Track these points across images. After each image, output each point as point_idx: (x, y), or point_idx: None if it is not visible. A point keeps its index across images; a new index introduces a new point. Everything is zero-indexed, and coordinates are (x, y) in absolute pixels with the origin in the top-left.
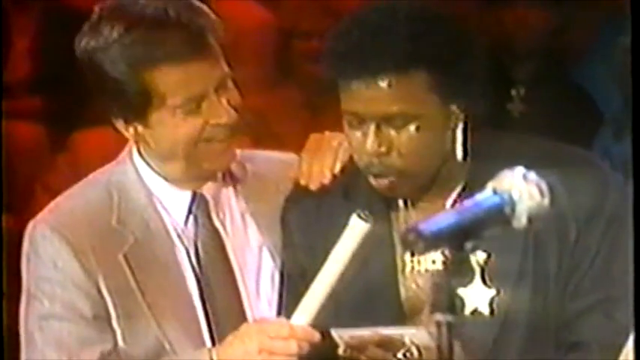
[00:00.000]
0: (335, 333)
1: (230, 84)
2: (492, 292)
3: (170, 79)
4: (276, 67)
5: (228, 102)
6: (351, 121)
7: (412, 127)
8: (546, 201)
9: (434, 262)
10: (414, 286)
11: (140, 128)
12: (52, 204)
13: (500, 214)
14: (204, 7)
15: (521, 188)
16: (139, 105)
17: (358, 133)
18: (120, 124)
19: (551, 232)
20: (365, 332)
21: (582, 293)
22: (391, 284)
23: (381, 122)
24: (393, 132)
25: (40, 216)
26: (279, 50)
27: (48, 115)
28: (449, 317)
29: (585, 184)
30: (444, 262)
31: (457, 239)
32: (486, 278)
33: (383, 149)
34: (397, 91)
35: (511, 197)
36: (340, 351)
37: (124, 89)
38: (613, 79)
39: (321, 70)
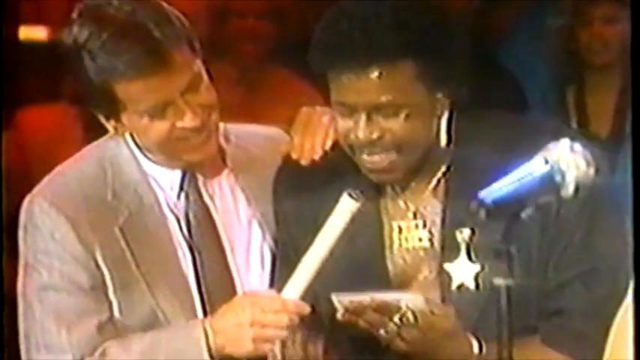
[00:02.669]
0: (335, 298)
1: (202, 84)
2: (477, 267)
3: (130, 91)
4: (210, 45)
5: (199, 103)
6: (341, 111)
7: (402, 116)
8: (592, 170)
9: (420, 239)
10: (401, 262)
11: (119, 124)
12: (47, 178)
13: (552, 183)
14: (176, 14)
15: (568, 159)
16: (109, 106)
17: (349, 122)
18: (102, 118)
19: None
20: (363, 297)
21: (563, 266)
22: (379, 260)
23: (372, 111)
24: (384, 120)
25: (36, 190)
26: (213, 29)
27: None
28: (509, 281)
29: None
30: (430, 240)
31: (515, 207)
32: (471, 254)
33: (375, 136)
34: (386, 82)
35: (560, 167)
36: (339, 315)
37: (95, 89)
38: (540, 59)
39: (310, 62)
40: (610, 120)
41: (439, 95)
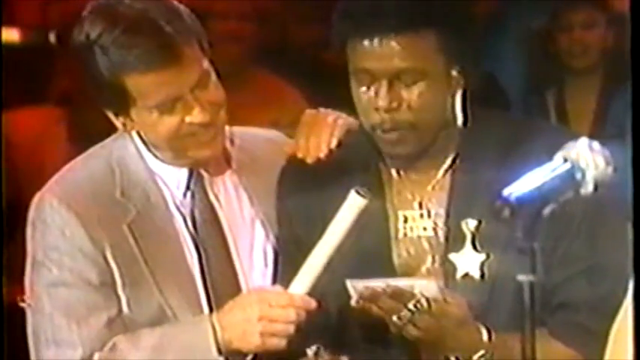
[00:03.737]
0: (349, 284)
1: (211, 81)
2: (482, 256)
3: (141, 85)
4: None
5: (207, 100)
6: (362, 80)
7: (421, 85)
8: (610, 169)
9: (425, 229)
10: (405, 253)
11: (127, 121)
12: (56, 176)
13: (572, 181)
14: (187, 12)
15: (587, 157)
16: (119, 101)
17: (370, 92)
18: (110, 115)
19: None
20: (378, 283)
21: (569, 261)
22: (385, 251)
23: (393, 79)
24: (403, 89)
25: (46, 187)
26: None
27: None
28: (530, 277)
29: None
30: (434, 229)
31: (538, 205)
32: (477, 244)
33: (394, 104)
34: (408, 49)
35: (579, 165)
36: (353, 302)
37: (106, 85)
38: (520, 62)
39: (333, 32)
40: (589, 122)
41: (454, 72)
